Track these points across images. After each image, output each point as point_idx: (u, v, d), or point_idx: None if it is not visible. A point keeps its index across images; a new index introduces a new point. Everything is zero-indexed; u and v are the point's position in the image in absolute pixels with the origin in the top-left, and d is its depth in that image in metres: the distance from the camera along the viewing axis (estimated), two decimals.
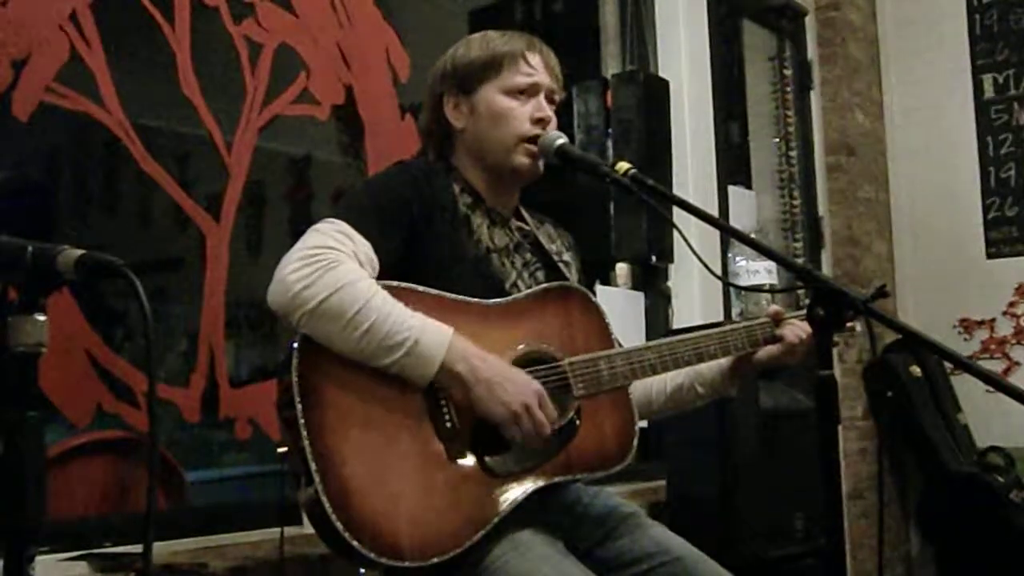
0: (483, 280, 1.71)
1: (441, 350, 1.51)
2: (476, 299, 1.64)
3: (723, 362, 1.89)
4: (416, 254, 1.65)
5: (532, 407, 1.55)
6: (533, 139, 1.77)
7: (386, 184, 1.72)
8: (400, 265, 1.62)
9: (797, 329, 1.85)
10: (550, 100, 1.82)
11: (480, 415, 1.56)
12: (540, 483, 1.62)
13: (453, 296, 1.62)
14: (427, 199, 1.69)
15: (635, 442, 1.75)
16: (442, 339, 1.52)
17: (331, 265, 1.50)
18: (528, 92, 1.78)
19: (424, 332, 1.51)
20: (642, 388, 1.91)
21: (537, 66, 1.80)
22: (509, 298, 1.70)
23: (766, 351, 1.87)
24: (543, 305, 1.72)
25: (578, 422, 1.68)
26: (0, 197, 2.15)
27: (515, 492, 1.58)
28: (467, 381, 1.54)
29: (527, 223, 1.89)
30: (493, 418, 1.55)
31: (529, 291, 1.74)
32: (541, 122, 1.78)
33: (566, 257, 1.92)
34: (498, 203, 1.82)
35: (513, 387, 1.55)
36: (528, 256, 1.84)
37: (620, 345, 1.80)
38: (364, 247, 1.57)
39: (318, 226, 1.58)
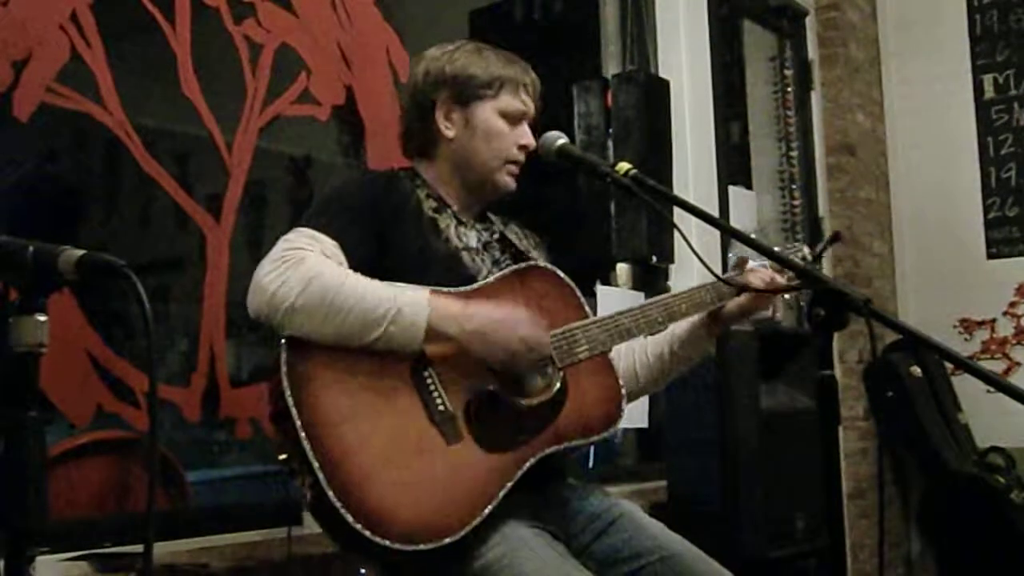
0: (455, 277, 1.74)
1: (423, 312, 1.57)
2: (448, 287, 1.68)
3: (696, 320, 1.95)
4: (387, 254, 1.69)
5: (527, 338, 1.63)
6: (515, 163, 1.87)
7: (350, 187, 1.79)
8: (373, 265, 1.65)
9: (762, 273, 1.92)
10: (529, 126, 1.91)
11: (485, 363, 1.62)
12: (537, 455, 1.64)
13: (429, 288, 1.65)
14: (391, 201, 1.76)
15: (623, 404, 1.79)
16: (422, 302, 1.58)
17: (298, 262, 1.55)
18: (518, 119, 1.87)
19: (403, 300, 1.56)
20: (625, 364, 1.96)
21: (530, 96, 1.89)
22: (480, 283, 1.74)
23: (735, 302, 1.93)
24: (515, 286, 1.76)
25: (563, 392, 1.72)
26: (18, 196, 2.16)
27: (515, 466, 1.61)
28: (459, 340, 1.60)
29: (492, 223, 1.95)
30: (497, 364, 1.63)
31: (499, 274, 1.78)
32: (524, 148, 1.88)
33: (534, 254, 1.96)
34: (463, 208, 1.89)
35: (503, 327, 1.62)
36: (498, 254, 1.89)
37: (594, 314, 1.84)
38: (331, 246, 1.62)
39: (285, 236, 1.64)
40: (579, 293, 1.84)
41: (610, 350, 1.80)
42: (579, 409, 1.73)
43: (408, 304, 1.57)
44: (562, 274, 1.84)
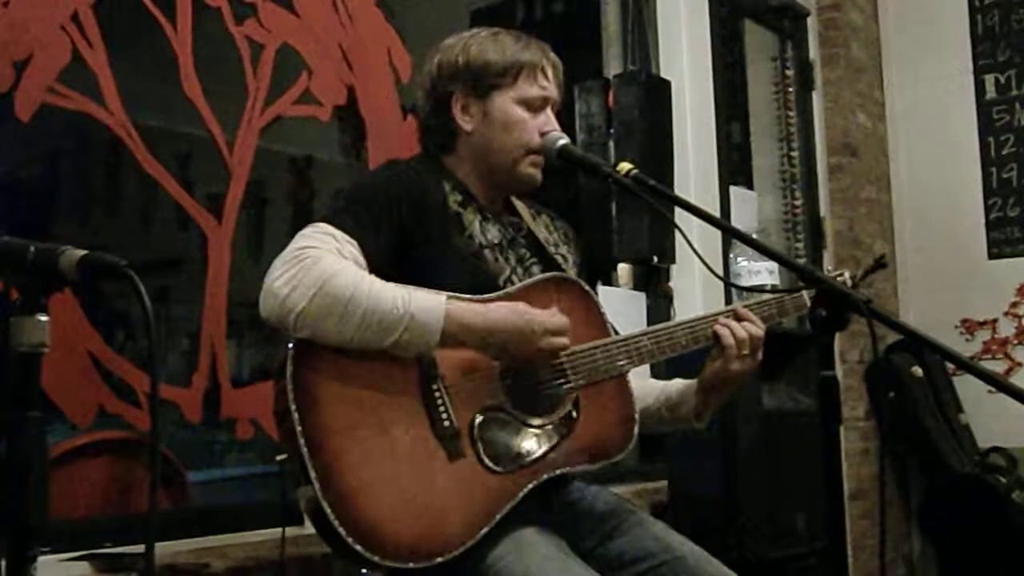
0: (476, 277, 1.71)
1: (439, 317, 1.52)
2: (469, 295, 1.64)
3: (687, 390, 1.86)
4: (407, 252, 1.65)
5: (549, 344, 1.61)
6: (539, 151, 1.79)
7: (373, 183, 1.73)
8: (392, 264, 1.61)
9: (736, 328, 1.77)
10: (554, 112, 1.83)
11: (497, 376, 1.61)
12: (541, 477, 1.62)
13: (446, 293, 1.61)
14: (416, 197, 1.69)
15: (636, 429, 1.74)
16: (438, 307, 1.53)
17: (311, 263, 1.49)
18: (539, 105, 1.80)
19: (419, 303, 1.52)
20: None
21: (551, 80, 1.82)
22: (502, 291, 1.70)
23: (708, 367, 1.80)
24: (537, 297, 1.71)
25: (575, 414, 1.68)
26: (20, 196, 2.16)
27: (516, 488, 1.58)
28: (476, 346, 1.58)
29: (520, 216, 1.89)
30: (522, 365, 1.62)
31: (522, 283, 1.73)
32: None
33: (563, 250, 1.91)
34: (490, 200, 1.83)
35: (520, 334, 1.59)
36: (522, 251, 1.83)
37: (616, 333, 1.80)
38: (348, 244, 1.57)
39: (303, 231, 1.59)
40: (603, 309, 1.80)
41: (628, 372, 1.75)
42: (590, 432, 1.68)
43: (422, 309, 1.52)
44: (587, 287, 1.80)
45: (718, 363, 1.78)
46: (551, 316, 1.63)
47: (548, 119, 1.80)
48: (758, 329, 1.79)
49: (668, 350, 1.77)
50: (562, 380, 1.68)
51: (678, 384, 1.89)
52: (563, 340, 1.63)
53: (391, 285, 1.53)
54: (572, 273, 1.87)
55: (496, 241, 1.79)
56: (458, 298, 1.59)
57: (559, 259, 1.87)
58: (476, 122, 1.79)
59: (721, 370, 1.78)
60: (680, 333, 1.78)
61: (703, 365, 1.81)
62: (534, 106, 1.79)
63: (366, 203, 1.64)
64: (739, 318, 1.79)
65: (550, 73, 1.81)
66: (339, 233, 1.57)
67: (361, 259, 1.58)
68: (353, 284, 1.49)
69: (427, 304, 1.53)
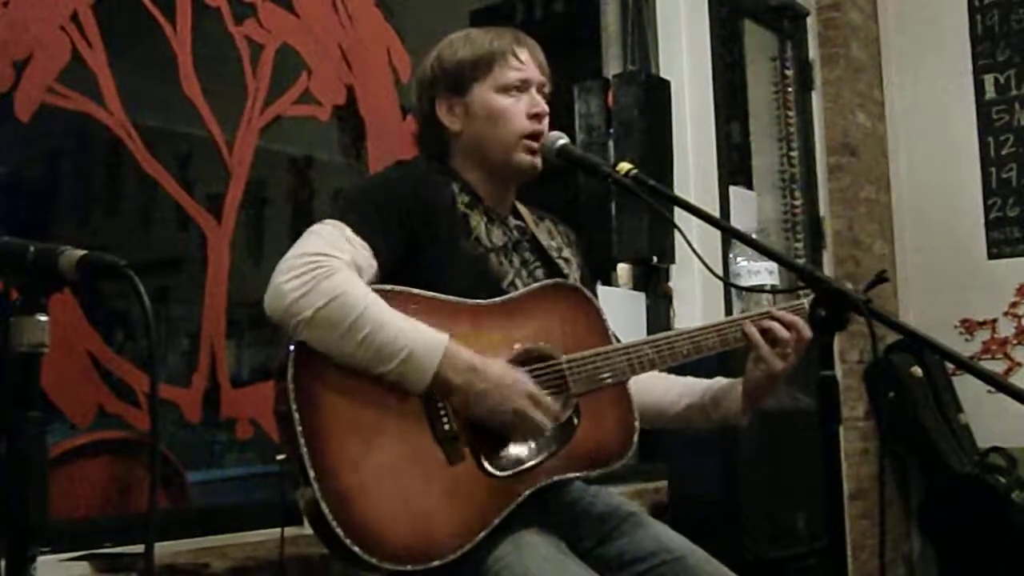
0: (481, 280, 1.71)
1: (436, 360, 1.52)
2: (471, 300, 1.64)
3: (734, 392, 1.85)
4: (414, 254, 1.65)
5: (526, 410, 1.57)
6: (532, 135, 1.78)
7: (384, 184, 1.73)
8: (398, 265, 1.61)
9: (778, 329, 1.77)
10: (540, 93, 1.82)
11: (479, 421, 1.57)
12: (540, 483, 1.62)
13: (448, 298, 1.62)
14: (425, 199, 1.69)
15: (635, 437, 1.75)
16: (437, 348, 1.52)
17: (326, 274, 1.49)
18: (520, 88, 1.79)
19: (419, 342, 1.51)
20: (650, 399, 1.89)
21: (526, 61, 1.80)
22: (504, 297, 1.70)
23: (752, 367, 1.80)
24: (539, 303, 1.71)
25: (576, 420, 1.68)
26: (19, 196, 2.16)
27: (515, 493, 1.58)
28: (463, 391, 1.55)
29: (524, 220, 1.89)
30: (493, 424, 1.57)
31: (525, 289, 1.73)
32: (537, 117, 1.78)
33: (566, 254, 1.91)
34: (496, 202, 1.82)
35: (506, 392, 1.56)
36: (526, 255, 1.83)
37: (618, 341, 1.80)
38: (362, 250, 1.57)
39: (315, 228, 1.58)
40: (604, 316, 1.80)
41: (628, 380, 1.75)
42: (590, 439, 1.68)
43: (423, 346, 1.51)
44: (589, 294, 1.80)
45: (760, 363, 1.78)
46: (542, 392, 1.61)
47: (533, 100, 1.79)
48: (802, 327, 1.77)
49: (669, 359, 1.77)
50: (563, 386, 1.68)
51: (721, 382, 1.89)
52: (542, 416, 1.60)
53: (399, 315, 1.53)
54: (575, 276, 1.88)
55: (500, 244, 1.78)
56: (463, 304, 1.60)
57: (562, 263, 1.87)
58: (462, 120, 1.79)
59: (764, 368, 1.78)
60: (681, 342, 1.78)
61: (746, 365, 1.81)
62: (514, 90, 1.78)
63: (376, 203, 1.64)
64: (775, 320, 1.78)
65: (524, 55, 1.80)
66: (353, 236, 1.57)
67: (373, 262, 1.58)
68: (363, 305, 1.49)
69: (428, 342, 1.52)
